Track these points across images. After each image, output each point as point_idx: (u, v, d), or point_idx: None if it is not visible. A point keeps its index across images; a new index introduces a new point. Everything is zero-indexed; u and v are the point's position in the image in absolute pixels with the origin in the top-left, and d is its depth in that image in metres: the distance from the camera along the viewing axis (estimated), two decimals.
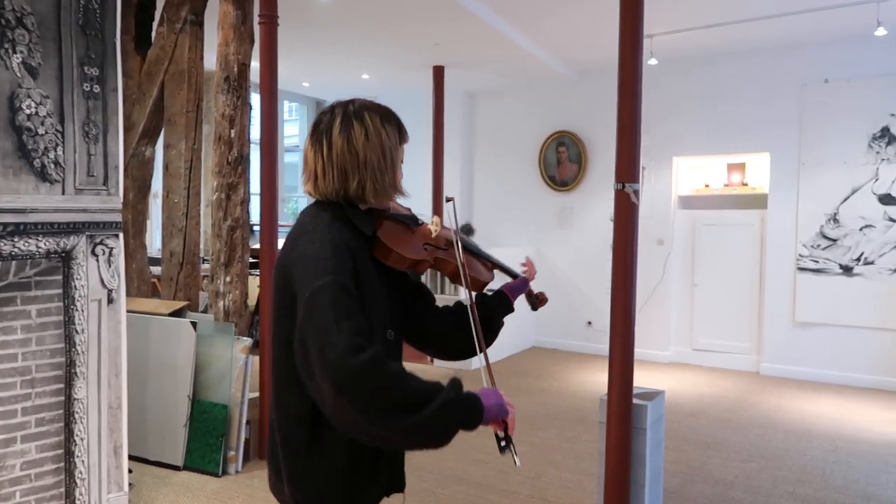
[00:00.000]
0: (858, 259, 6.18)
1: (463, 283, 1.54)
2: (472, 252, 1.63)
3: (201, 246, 4.62)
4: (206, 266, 5.01)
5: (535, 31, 6.06)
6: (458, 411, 1.25)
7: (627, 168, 3.00)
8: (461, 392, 1.27)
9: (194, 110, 4.32)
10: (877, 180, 6.07)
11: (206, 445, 3.94)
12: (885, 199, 6.05)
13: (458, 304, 1.64)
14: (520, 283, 1.73)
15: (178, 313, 4.21)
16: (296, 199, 10.12)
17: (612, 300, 3.12)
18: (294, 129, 10.12)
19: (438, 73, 7.05)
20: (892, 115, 5.96)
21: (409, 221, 1.55)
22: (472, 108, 8.49)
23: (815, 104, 6.33)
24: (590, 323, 7.52)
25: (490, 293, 1.71)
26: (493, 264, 1.70)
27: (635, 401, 3.14)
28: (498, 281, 1.74)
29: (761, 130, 6.58)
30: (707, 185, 7.15)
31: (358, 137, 1.37)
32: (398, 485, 1.53)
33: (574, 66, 7.28)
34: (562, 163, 7.80)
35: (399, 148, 1.45)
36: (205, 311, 4.66)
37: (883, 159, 6.03)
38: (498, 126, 8.27)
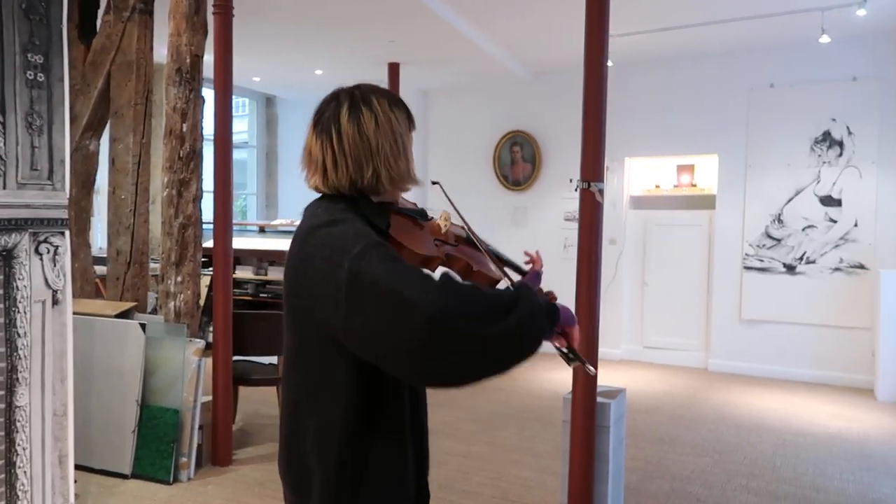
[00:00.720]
0: (801, 258, 6.40)
1: (473, 281, 1.49)
2: (483, 249, 1.56)
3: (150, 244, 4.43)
4: (154, 265, 4.82)
5: (492, 31, 6.06)
6: (542, 309, 1.18)
7: (593, 167, 3.01)
8: (534, 292, 1.22)
9: (143, 103, 4.14)
10: (818, 182, 6.30)
11: (156, 452, 3.78)
12: (826, 201, 6.28)
13: None
14: (532, 277, 1.65)
15: (125, 315, 4.03)
16: (244, 196, 9.88)
17: (576, 299, 3.12)
18: (243, 125, 9.88)
19: (394, 70, 6.99)
20: (833, 119, 6.19)
21: (418, 216, 1.47)
22: (426, 106, 8.45)
23: (761, 108, 6.53)
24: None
25: None
26: (503, 261, 1.64)
27: (599, 399, 3.16)
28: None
29: (710, 133, 6.75)
30: (658, 186, 7.29)
31: (368, 123, 1.30)
32: (426, 498, 1.46)
33: (530, 66, 7.31)
34: (516, 162, 7.83)
35: (409, 134, 1.38)
36: (153, 313, 4.48)
37: (824, 162, 6.26)
38: (452, 125, 8.25)
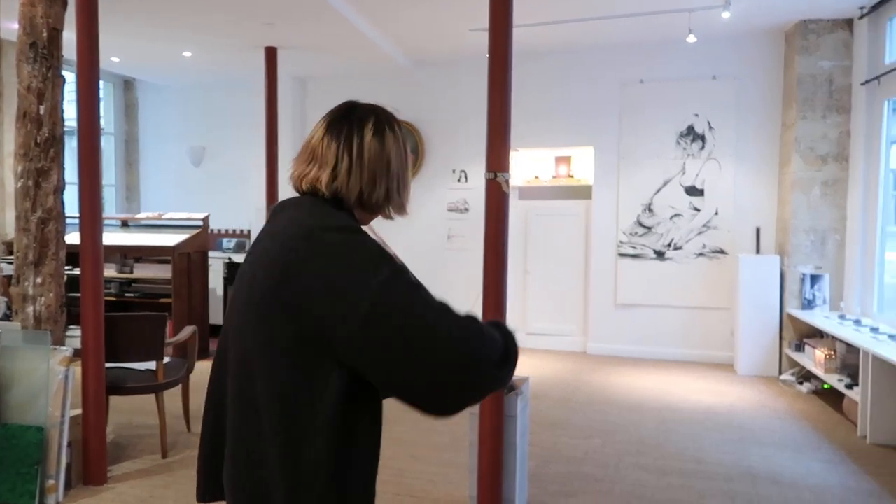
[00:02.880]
0: (669, 245, 6.82)
1: None
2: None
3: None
4: (6, 266, 4.28)
5: (374, 17, 5.92)
6: (517, 347, 1.26)
7: (499, 158, 2.99)
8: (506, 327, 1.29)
9: None
10: (684, 173, 6.74)
11: (17, 476, 3.34)
12: (691, 191, 6.73)
13: None
14: None
15: None
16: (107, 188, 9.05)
17: (484, 289, 3.10)
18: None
19: (270, 54, 6.65)
20: (696, 115, 6.64)
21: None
22: (305, 94, 8.15)
23: (632, 103, 6.87)
24: None
25: None
26: None
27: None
28: None
29: (586, 126, 7.02)
30: (537, 177, 7.48)
31: (391, 145, 1.33)
32: None
33: (412, 55, 7.24)
34: None
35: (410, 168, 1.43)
36: (5, 319, 3.97)
37: (689, 154, 6.71)
38: None
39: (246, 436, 1.21)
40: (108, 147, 8.80)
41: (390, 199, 1.33)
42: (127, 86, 8.77)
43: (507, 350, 1.19)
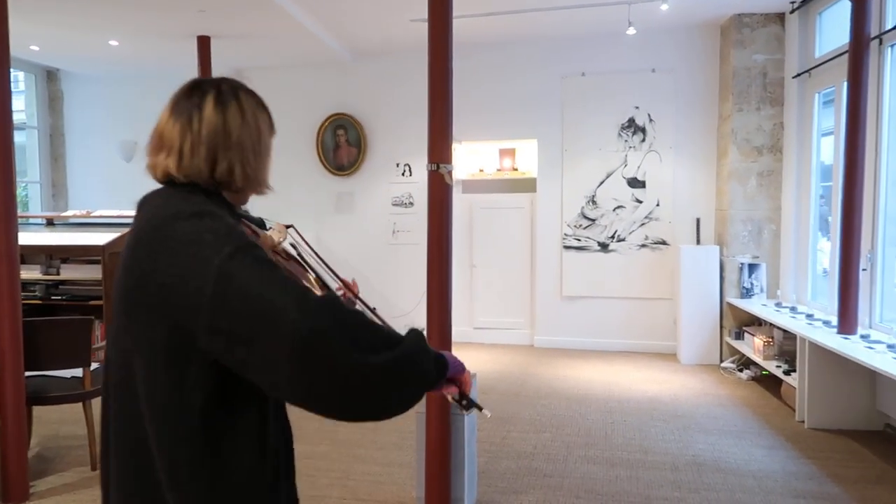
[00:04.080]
0: (613, 236, 6.88)
1: None
2: (308, 269, 1.44)
3: None
4: None
5: (311, 7, 5.74)
6: (429, 354, 1.17)
7: (440, 149, 2.90)
8: (423, 337, 1.19)
9: None
10: (626, 166, 6.79)
11: None
12: (633, 183, 6.80)
13: None
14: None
15: None
16: (25, 185, 8.57)
17: (427, 284, 3.01)
18: (20, 103, 8.53)
19: (203, 44, 6.38)
20: (637, 107, 6.70)
21: (258, 225, 1.37)
22: None
23: (573, 95, 6.89)
24: (374, 309, 7.42)
25: None
26: (323, 282, 1.50)
27: None
28: None
29: (529, 118, 7.00)
30: (481, 170, 7.43)
31: (234, 117, 1.24)
32: (295, 499, 1.35)
33: (351, 47, 7.07)
34: (340, 146, 7.57)
35: (270, 138, 1.34)
36: None
37: (630, 147, 6.76)
38: (270, 106, 7.70)
39: (133, 451, 1.17)
40: (32, 142, 8.33)
41: (234, 171, 1.23)
42: (50, 77, 8.30)
43: (390, 343, 1.11)
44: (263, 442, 1.19)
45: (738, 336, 6.02)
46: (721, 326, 6.32)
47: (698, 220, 6.60)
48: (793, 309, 5.45)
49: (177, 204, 1.18)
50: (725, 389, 5.46)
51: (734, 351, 6.16)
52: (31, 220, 7.08)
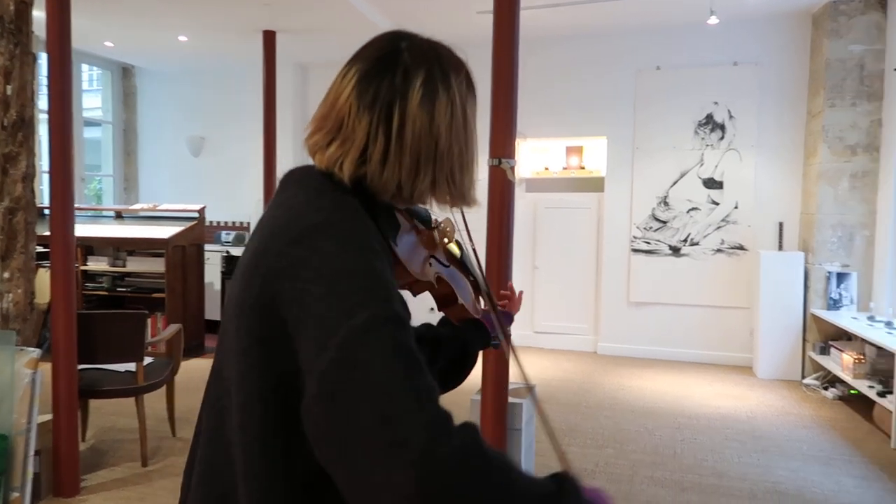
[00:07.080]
0: (685, 240, 6.49)
1: (453, 315, 1.18)
2: (473, 278, 1.19)
3: None
4: None
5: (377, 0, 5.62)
6: None
7: (503, 143, 2.69)
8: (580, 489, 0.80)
9: None
10: (702, 165, 6.39)
11: None
12: (709, 183, 6.39)
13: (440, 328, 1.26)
14: (505, 319, 1.32)
15: None
16: (98, 179, 8.82)
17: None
18: (95, 101, 8.78)
19: (269, 39, 6.36)
20: (716, 103, 6.29)
21: (422, 221, 1.08)
22: (305, 82, 7.87)
23: (647, 91, 6.53)
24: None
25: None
26: (485, 294, 1.24)
27: (510, 399, 2.87)
28: None
29: (598, 115, 6.68)
30: (547, 168, 7.16)
31: (442, 115, 0.91)
32: None
33: None
34: None
35: (476, 134, 0.99)
36: None
37: (707, 145, 6.36)
38: None
39: (217, 466, 0.91)
40: (107, 137, 8.56)
41: (436, 190, 0.94)
42: (125, 73, 8.50)
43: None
44: None
45: (824, 351, 5.55)
46: (804, 339, 5.85)
47: (781, 225, 6.13)
48: (888, 324, 4.96)
49: (321, 203, 0.89)
50: (809, 409, 5.03)
51: (818, 367, 5.68)
52: (103, 213, 7.24)
